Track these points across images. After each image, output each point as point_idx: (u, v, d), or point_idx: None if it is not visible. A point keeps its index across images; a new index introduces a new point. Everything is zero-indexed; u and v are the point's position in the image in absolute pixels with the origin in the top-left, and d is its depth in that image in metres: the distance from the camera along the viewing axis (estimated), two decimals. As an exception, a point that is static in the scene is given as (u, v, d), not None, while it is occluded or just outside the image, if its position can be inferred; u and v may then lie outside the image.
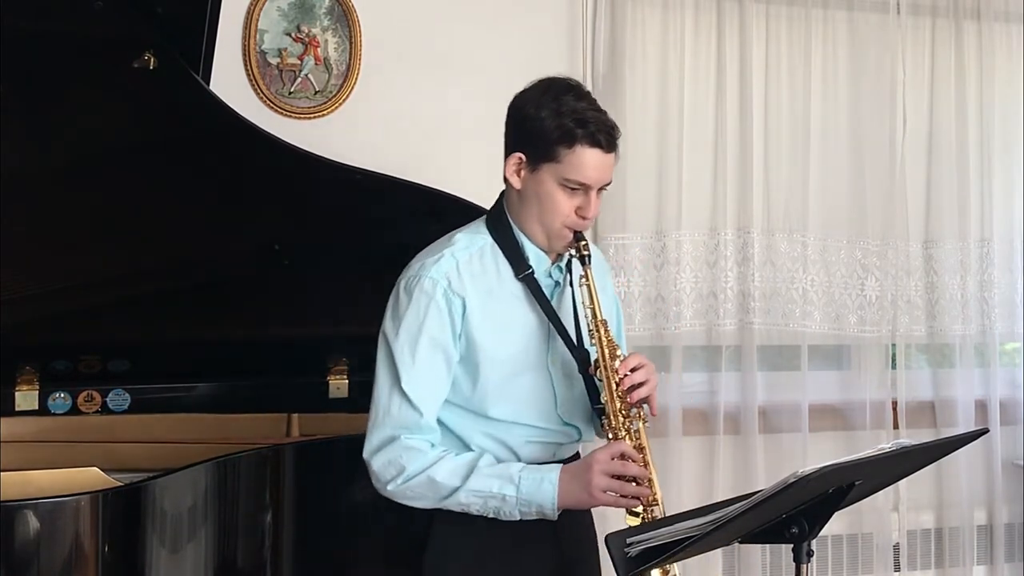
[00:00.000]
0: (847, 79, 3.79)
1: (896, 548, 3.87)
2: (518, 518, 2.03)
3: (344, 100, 3.40)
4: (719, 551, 3.60)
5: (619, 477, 1.99)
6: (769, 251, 3.69)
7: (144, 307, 2.88)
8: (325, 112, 3.39)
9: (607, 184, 2.09)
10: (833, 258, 3.77)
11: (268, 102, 3.32)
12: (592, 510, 2.19)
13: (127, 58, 2.41)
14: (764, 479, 3.57)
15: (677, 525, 1.75)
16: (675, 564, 1.94)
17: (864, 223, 3.78)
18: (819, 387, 3.82)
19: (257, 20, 3.32)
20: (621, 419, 2.04)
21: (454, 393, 2.08)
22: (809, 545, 1.84)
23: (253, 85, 3.32)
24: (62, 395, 2.92)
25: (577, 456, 2.20)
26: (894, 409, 3.84)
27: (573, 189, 2.04)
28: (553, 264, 2.14)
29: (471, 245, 2.11)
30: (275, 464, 2.60)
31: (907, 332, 3.86)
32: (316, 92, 3.39)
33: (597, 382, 2.09)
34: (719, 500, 1.87)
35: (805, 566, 1.85)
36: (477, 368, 2.07)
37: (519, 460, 2.09)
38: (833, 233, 3.77)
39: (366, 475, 2.08)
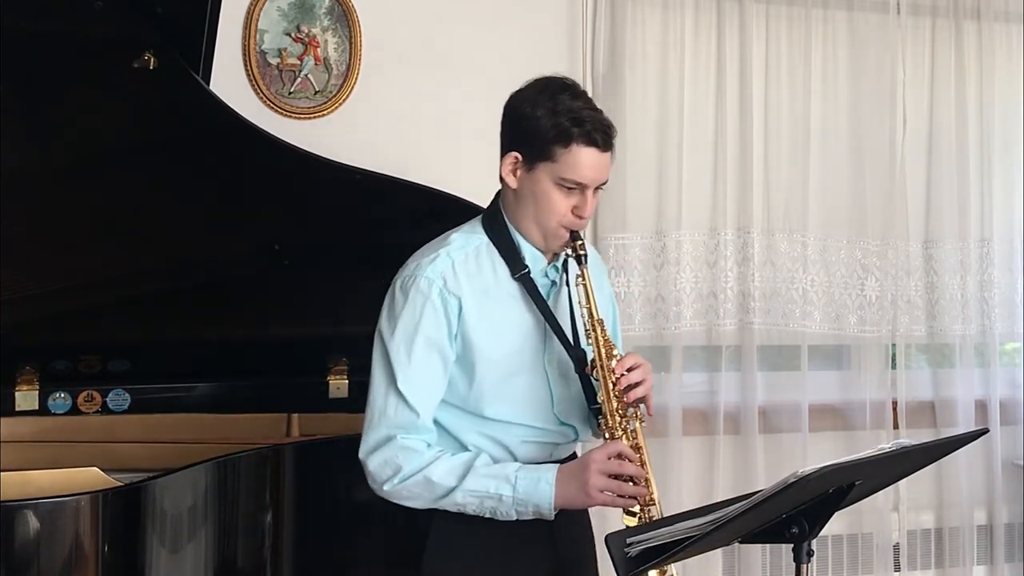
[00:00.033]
0: (847, 79, 3.79)
1: (896, 548, 3.87)
2: (515, 518, 2.02)
3: (344, 100, 3.40)
4: (719, 551, 3.60)
5: (616, 477, 1.99)
6: (769, 251, 3.69)
7: (144, 307, 2.88)
8: (325, 112, 3.39)
9: (603, 183, 2.09)
10: (833, 258, 3.77)
11: (268, 102, 3.32)
12: (592, 510, 2.19)
13: (127, 58, 2.41)
14: (764, 479, 3.57)
15: (677, 525, 1.75)
16: (673, 564, 1.94)
17: (864, 223, 3.78)
18: (819, 387, 3.82)
19: (257, 20, 3.32)
20: (618, 419, 2.04)
21: (450, 393, 2.08)
22: (809, 545, 1.84)
23: (253, 85, 3.32)
24: (62, 395, 2.92)
25: (574, 456, 2.19)
26: (894, 409, 3.84)
27: (569, 188, 2.04)
28: (549, 264, 2.14)
29: (467, 245, 2.11)
30: (275, 464, 2.60)
31: (907, 332, 3.87)
32: (316, 92, 3.39)
33: (594, 382, 2.08)
34: (719, 500, 1.87)
35: (805, 566, 1.85)
36: (473, 368, 2.06)
37: (516, 460, 2.08)
38: (833, 233, 3.77)
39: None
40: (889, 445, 1.87)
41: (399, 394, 2.02)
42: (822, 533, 1.86)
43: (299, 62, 3.37)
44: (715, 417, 3.68)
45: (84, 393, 2.93)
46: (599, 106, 2.10)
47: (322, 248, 2.91)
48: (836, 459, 1.76)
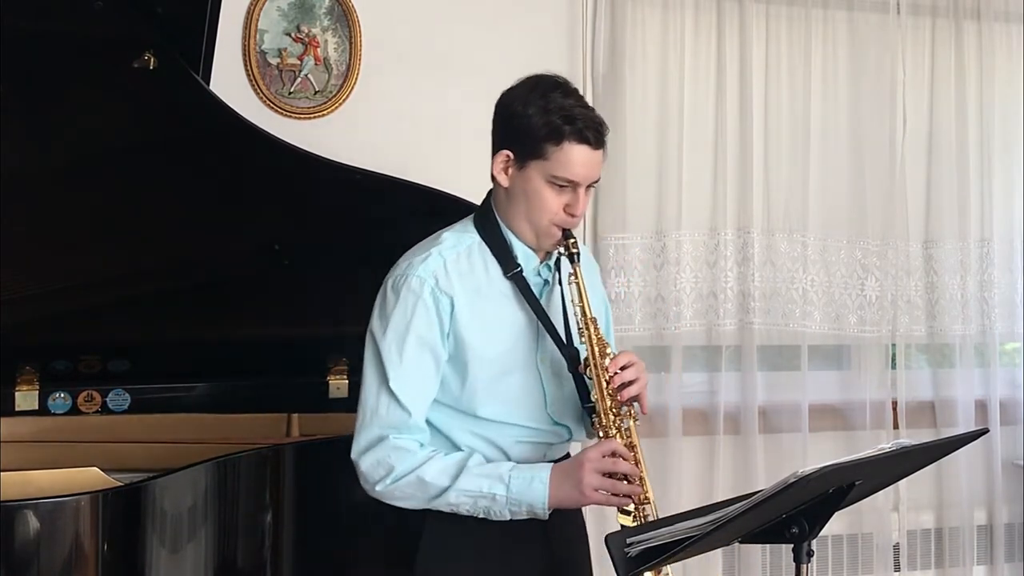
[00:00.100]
0: (847, 79, 3.79)
1: (896, 548, 3.87)
2: (508, 518, 2.02)
3: (344, 100, 3.40)
4: (719, 551, 3.60)
5: (610, 475, 1.98)
6: (769, 251, 3.69)
7: (144, 307, 2.88)
8: (325, 112, 3.39)
9: (596, 181, 2.08)
10: (833, 258, 3.77)
11: (268, 102, 3.33)
12: (590, 510, 2.19)
13: (127, 58, 2.41)
14: (764, 479, 3.57)
15: (677, 525, 1.75)
16: (672, 564, 1.94)
17: (864, 223, 3.78)
18: (819, 387, 3.82)
19: (257, 20, 3.32)
20: (612, 417, 2.03)
21: (443, 393, 2.07)
22: (809, 545, 1.84)
23: (253, 85, 3.32)
24: (62, 395, 2.92)
25: (568, 456, 2.18)
26: (894, 409, 3.84)
27: (561, 186, 2.03)
28: (542, 262, 2.13)
29: (459, 244, 2.10)
30: (275, 464, 2.60)
31: (907, 332, 3.87)
32: (316, 92, 3.39)
33: (587, 380, 2.07)
34: (719, 500, 1.87)
35: (805, 566, 1.85)
36: (466, 367, 2.06)
37: (509, 461, 2.07)
38: (833, 233, 3.78)
39: (365, 475, 2.07)
40: (889, 445, 1.87)
41: (391, 393, 2.02)
42: (822, 533, 1.86)
43: (299, 62, 3.37)
44: (715, 417, 3.68)
45: (84, 393, 2.93)
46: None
47: (322, 248, 2.91)
48: (836, 459, 1.76)
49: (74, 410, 2.93)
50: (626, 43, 3.55)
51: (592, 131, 2.02)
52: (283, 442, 2.85)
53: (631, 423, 2.06)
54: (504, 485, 1.99)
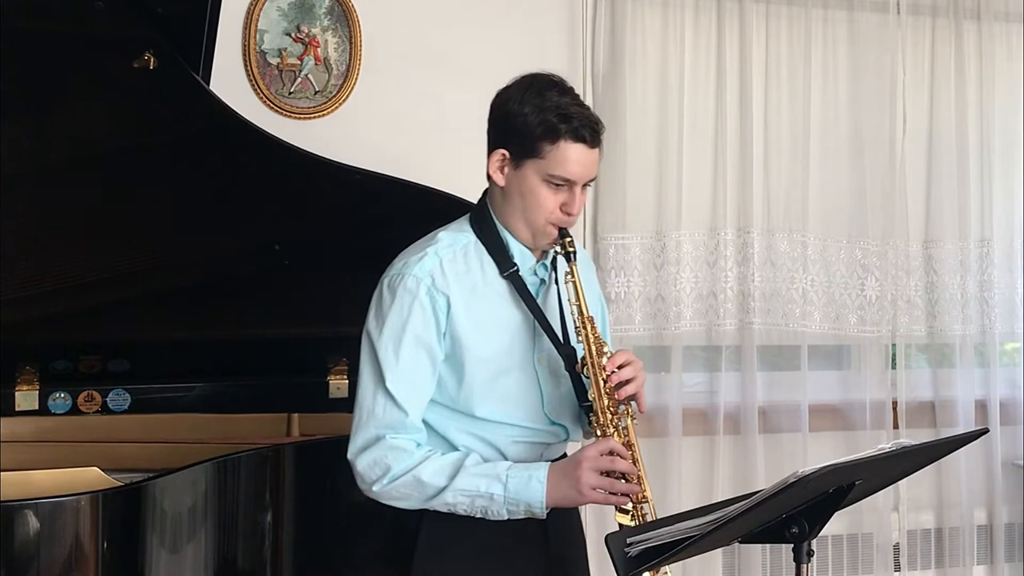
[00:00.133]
0: (847, 79, 3.79)
1: (896, 548, 3.87)
2: (506, 517, 2.01)
3: (344, 100, 3.40)
4: (719, 551, 3.60)
5: (608, 474, 1.98)
6: (769, 251, 3.69)
7: (144, 307, 2.88)
8: (325, 112, 3.39)
9: (592, 180, 2.08)
10: (833, 258, 3.78)
11: (268, 102, 3.33)
12: (591, 510, 2.18)
13: (127, 58, 2.41)
14: (764, 479, 3.57)
15: (677, 525, 1.75)
16: (672, 564, 1.94)
17: (864, 223, 3.78)
18: (819, 387, 3.82)
19: (257, 20, 3.32)
20: (609, 416, 2.03)
21: (440, 393, 2.07)
22: (809, 545, 1.84)
23: (253, 85, 3.32)
24: (62, 395, 2.92)
25: (565, 457, 2.17)
26: (894, 409, 3.84)
27: (557, 185, 2.03)
28: (538, 261, 2.13)
29: (454, 243, 2.10)
30: (275, 464, 2.60)
31: (907, 332, 3.87)
32: (316, 92, 3.39)
33: (584, 379, 2.07)
34: (719, 500, 1.87)
35: (805, 566, 1.84)
36: (462, 367, 2.05)
37: (506, 460, 2.07)
38: (833, 233, 3.78)
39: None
40: (889, 445, 1.87)
41: (387, 393, 2.01)
42: (822, 533, 1.86)
43: (299, 62, 3.37)
44: (715, 417, 3.68)
45: (84, 393, 2.93)
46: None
47: (322, 248, 2.91)
48: (836, 459, 1.76)
49: (74, 410, 2.92)
50: (626, 43, 3.55)
51: (588, 129, 2.02)
52: (283, 442, 2.85)
53: (629, 422, 2.05)
54: (502, 484, 1.99)
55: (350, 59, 3.40)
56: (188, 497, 2.37)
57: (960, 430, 3.76)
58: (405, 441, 2.01)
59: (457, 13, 3.47)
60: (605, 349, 2.07)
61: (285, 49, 3.36)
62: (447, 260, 2.07)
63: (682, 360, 3.62)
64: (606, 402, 2.03)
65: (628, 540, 1.76)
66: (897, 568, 3.88)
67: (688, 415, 3.63)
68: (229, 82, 3.04)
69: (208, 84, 2.59)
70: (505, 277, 2.09)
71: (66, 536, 2.19)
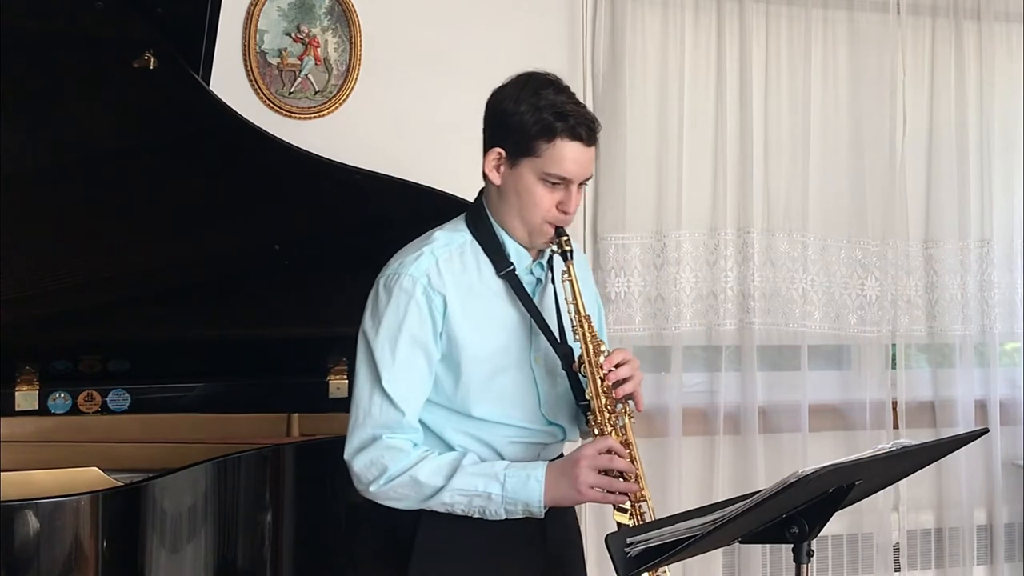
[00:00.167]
0: (847, 79, 3.79)
1: (896, 548, 3.87)
2: (504, 517, 2.00)
3: (344, 100, 3.40)
4: (719, 551, 3.60)
5: (606, 473, 1.97)
6: (769, 251, 3.69)
7: (144, 307, 2.88)
8: (325, 112, 3.39)
9: (588, 178, 2.08)
10: (833, 258, 3.78)
11: (268, 102, 3.33)
12: (590, 510, 2.18)
13: (127, 58, 2.40)
14: (764, 479, 3.57)
15: (677, 525, 1.74)
16: (672, 564, 1.94)
17: (864, 223, 3.78)
18: (819, 387, 3.82)
19: (257, 20, 3.32)
20: (607, 415, 2.02)
21: (436, 393, 2.06)
22: (809, 545, 1.84)
23: (253, 85, 3.32)
24: (62, 395, 2.92)
25: (562, 457, 2.16)
26: (894, 409, 3.84)
27: (554, 184, 2.03)
28: (534, 261, 2.13)
29: (451, 242, 2.09)
30: (275, 464, 2.60)
31: (907, 332, 3.87)
32: (316, 92, 3.39)
33: (581, 378, 2.07)
34: (719, 500, 1.87)
35: (805, 566, 1.84)
36: (459, 366, 2.05)
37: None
38: (833, 233, 3.78)
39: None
40: (889, 445, 1.87)
41: (384, 393, 2.00)
42: (822, 533, 1.86)
43: (299, 62, 3.37)
44: (715, 417, 3.68)
45: (84, 393, 2.93)
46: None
47: (322, 248, 2.91)
48: (836, 459, 1.76)
49: (74, 410, 2.93)
50: (626, 43, 3.54)
51: (584, 128, 2.02)
52: (283, 442, 2.85)
53: (626, 420, 2.05)
54: (499, 484, 1.98)
55: (350, 59, 3.40)
56: (188, 497, 2.37)
57: (960, 430, 3.76)
58: (402, 441, 2.01)
59: (457, 13, 3.47)
60: (602, 348, 2.06)
61: (285, 49, 3.36)
62: (443, 259, 2.06)
63: (682, 360, 3.62)
64: (603, 401, 2.02)
65: (628, 540, 1.76)
66: (897, 568, 3.88)
67: (688, 415, 3.63)
68: (229, 82, 3.04)
69: (208, 84, 2.58)
70: (501, 276, 2.09)
71: (66, 536, 2.19)
